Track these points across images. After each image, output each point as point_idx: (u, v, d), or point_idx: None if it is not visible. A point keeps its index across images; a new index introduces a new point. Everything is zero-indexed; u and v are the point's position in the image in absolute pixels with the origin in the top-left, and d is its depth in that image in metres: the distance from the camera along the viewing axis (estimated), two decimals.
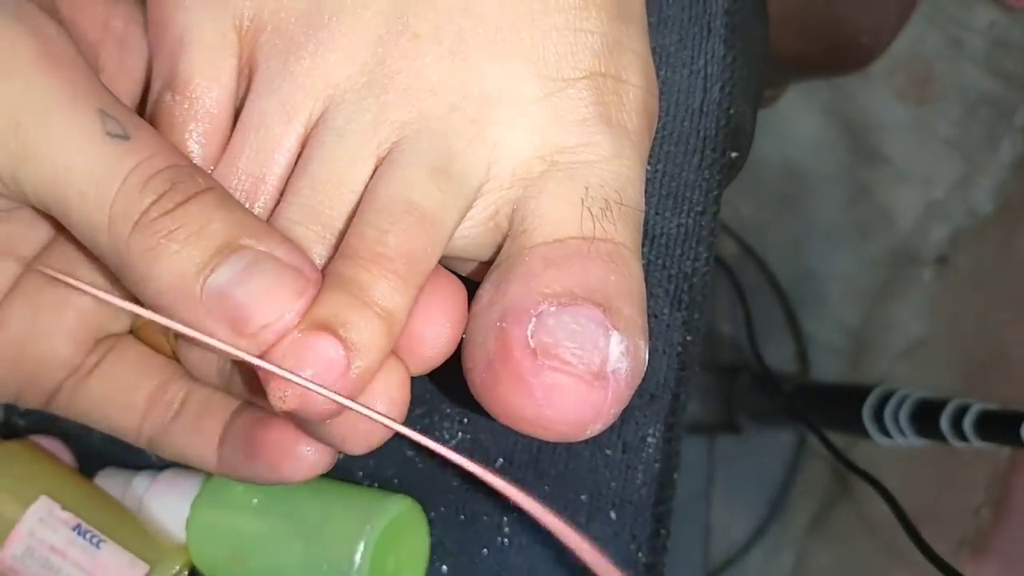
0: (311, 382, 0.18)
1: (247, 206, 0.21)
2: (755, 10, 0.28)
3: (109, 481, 0.27)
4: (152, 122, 0.21)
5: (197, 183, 0.19)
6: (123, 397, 0.23)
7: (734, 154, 0.26)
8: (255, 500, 0.25)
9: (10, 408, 0.29)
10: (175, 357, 0.23)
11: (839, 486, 0.87)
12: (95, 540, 0.25)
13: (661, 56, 0.26)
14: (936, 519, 0.77)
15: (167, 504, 0.26)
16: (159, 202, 0.18)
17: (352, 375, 0.18)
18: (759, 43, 0.29)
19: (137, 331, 0.24)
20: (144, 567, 0.25)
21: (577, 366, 0.19)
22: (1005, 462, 0.83)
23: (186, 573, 0.27)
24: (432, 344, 0.20)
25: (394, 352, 0.20)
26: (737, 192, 0.84)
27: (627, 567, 0.26)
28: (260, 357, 0.18)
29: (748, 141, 0.28)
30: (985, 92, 0.91)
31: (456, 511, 0.27)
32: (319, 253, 0.20)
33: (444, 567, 0.27)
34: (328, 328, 0.18)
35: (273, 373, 0.18)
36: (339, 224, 0.20)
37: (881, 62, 0.52)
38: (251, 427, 0.22)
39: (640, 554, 0.26)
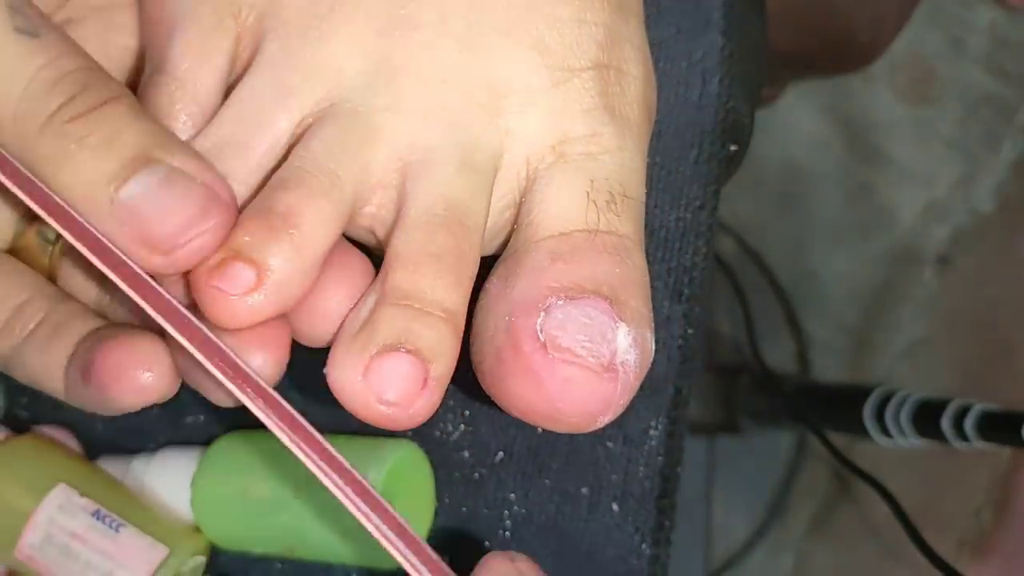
0: (388, 404, 0.19)
1: (224, 175, 0.20)
2: (753, 3, 0.28)
3: (108, 467, 0.27)
4: (141, 103, 0.21)
5: (110, 88, 0.18)
6: None
7: (733, 147, 0.26)
8: (258, 464, 0.25)
9: (12, 400, 0.29)
10: (52, 279, 0.22)
11: (839, 487, 0.87)
12: (114, 524, 0.25)
13: (659, 49, 0.26)
14: (937, 520, 0.77)
15: (168, 483, 0.26)
16: (70, 104, 0.17)
17: (431, 384, 0.19)
18: (757, 36, 0.29)
19: (18, 252, 0.22)
20: (164, 550, 0.25)
21: (587, 358, 0.19)
22: (1006, 463, 0.83)
23: (204, 559, 0.27)
24: (334, 318, 0.20)
25: (285, 318, 0.20)
26: (737, 191, 0.84)
27: (631, 559, 0.26)
28: (179, 276, 0.19)
29: (747, 135, 0.28)
30: (985, 92, 0.91)
31: (458, 504, 0.27)
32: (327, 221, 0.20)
33: None
34: (399, 345, 0.19)
35: (207, 296, 0.18)
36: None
37: (881, 62, 0.52)
38: (91, 347, 0.20)
39: (644, 546, 0.26)
